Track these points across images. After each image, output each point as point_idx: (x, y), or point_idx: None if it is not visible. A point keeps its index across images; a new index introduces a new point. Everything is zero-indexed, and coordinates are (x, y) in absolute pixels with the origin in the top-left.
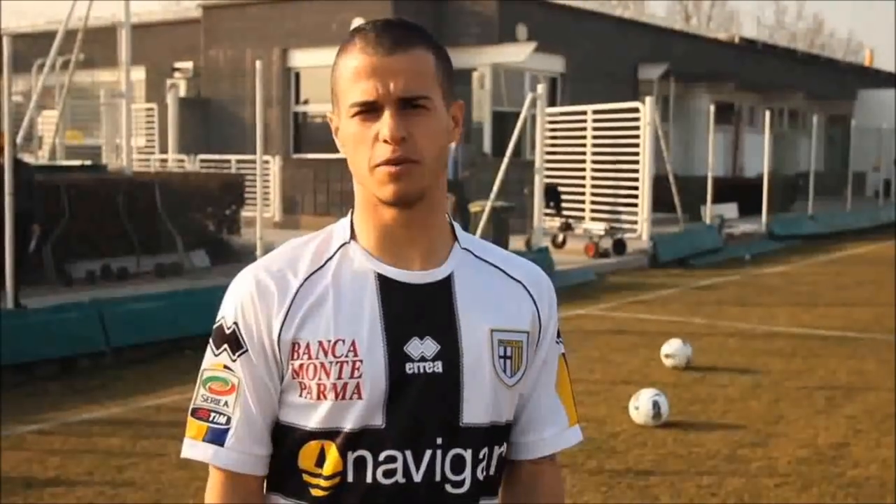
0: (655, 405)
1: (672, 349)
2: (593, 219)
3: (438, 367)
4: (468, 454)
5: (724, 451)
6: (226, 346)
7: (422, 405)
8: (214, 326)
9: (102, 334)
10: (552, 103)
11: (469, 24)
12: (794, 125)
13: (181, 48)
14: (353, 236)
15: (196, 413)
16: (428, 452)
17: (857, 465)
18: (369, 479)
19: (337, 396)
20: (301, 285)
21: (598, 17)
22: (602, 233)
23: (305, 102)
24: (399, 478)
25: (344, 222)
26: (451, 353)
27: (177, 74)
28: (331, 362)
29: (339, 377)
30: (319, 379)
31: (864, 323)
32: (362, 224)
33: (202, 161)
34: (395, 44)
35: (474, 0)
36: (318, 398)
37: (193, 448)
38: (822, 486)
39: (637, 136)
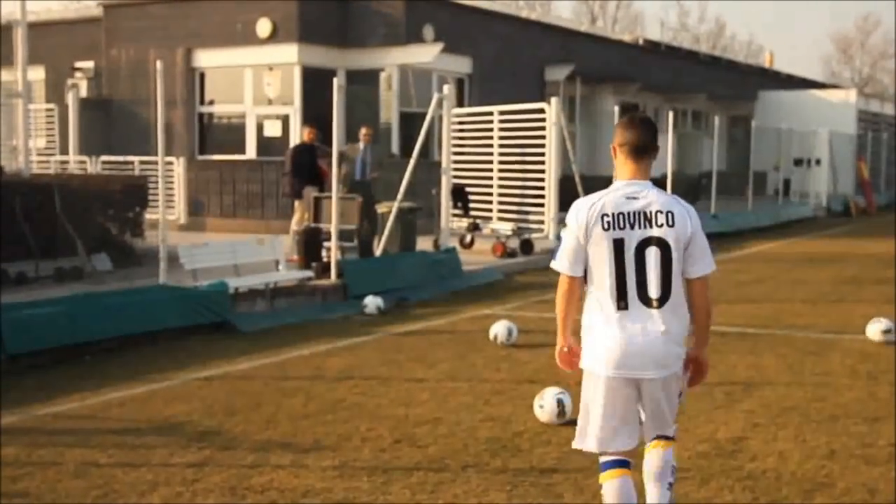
0: (560, 403)
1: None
2: (500, 219)
3: None
4: None
5: None
6: None
7: None
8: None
9: None
10: (459, 104)
11: (375, 24)
12: (696, 126)
13: (82, 47)
14: None
15: None
16: None
17: (755, 458)
18: None
19: None
20: None
21: (504, 18)
22: (509, 233)
23: (211, 103)
24: None
25: None
26: None
27: (77, 74)
28: None
29: None
30: None
31: (763, 319)
32: None
33: (104, 163)
34: None
35: (380, 0)
36: None
37: None
38: (720, 479)
39: (543, 137)
